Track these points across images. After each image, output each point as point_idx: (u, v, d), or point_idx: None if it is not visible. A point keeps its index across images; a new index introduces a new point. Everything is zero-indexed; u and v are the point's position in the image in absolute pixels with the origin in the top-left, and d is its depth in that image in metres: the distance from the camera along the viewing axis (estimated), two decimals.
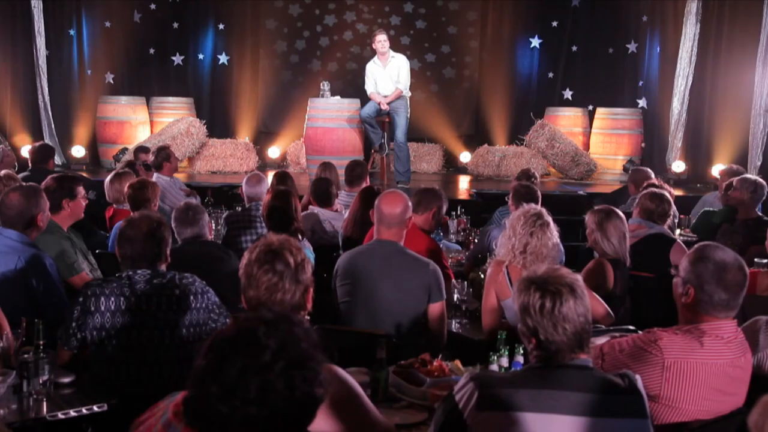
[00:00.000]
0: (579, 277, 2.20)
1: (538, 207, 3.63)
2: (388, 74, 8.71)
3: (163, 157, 6.90)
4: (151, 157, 7.13)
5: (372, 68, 8.86)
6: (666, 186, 5.95)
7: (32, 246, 3.61)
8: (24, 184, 3.97)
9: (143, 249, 3.01)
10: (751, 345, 2.87)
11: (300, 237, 4.19)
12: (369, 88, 8.84)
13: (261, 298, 2.29)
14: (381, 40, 8.67)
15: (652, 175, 6.72)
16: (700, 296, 2.50)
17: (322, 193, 5.53)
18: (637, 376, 2.19)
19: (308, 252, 4.39)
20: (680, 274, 2.59)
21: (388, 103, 8.60)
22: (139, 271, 3.00)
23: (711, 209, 6.23)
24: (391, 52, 8.79)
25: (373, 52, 8.94)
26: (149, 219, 3.10)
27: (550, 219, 3.53)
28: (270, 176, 6.77)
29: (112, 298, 2.93)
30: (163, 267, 3.09)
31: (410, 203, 3.74)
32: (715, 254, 2.52)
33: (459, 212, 6.63)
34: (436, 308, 3.57)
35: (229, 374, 1.45)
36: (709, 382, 2.45)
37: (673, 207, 6.36)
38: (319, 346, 1.55)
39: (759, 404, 1.63)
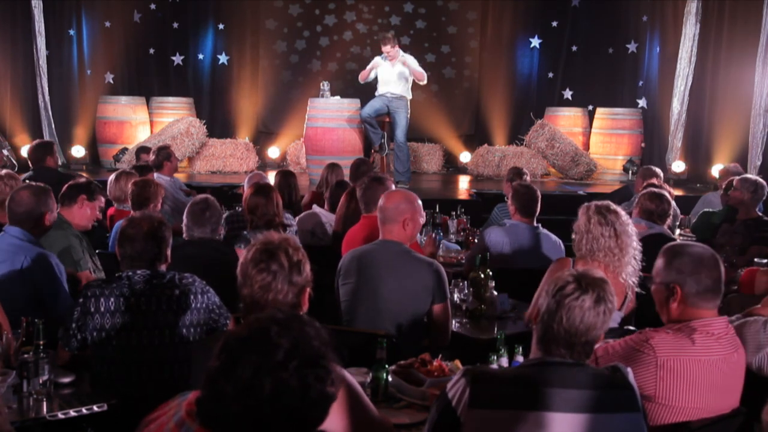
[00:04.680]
0: (614, 298, 2.18)
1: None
2: (397, 71, 8.68)
3: (164, 156, 6.89)
4: (151, 157, 7.12)
5: (379, 63, 8.83)
6: (666, 186, 5.95)
7: (38, 245, 3.61)
8: (32, 183, 3.97)
9: (143, 249, 3.01)
10: (751, 345, 2.87)
11: (282, 232, 4.20)
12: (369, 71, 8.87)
13: (254, 297, 2.31)
14: (387, 50, 8.62)
15: (661, 174, 6.73)
16: (687, 290, 2.52)
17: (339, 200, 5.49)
18: (629, 369, 2.19)
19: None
20: (658, 280, 2.61)
21: (390, 100, 8.61)
22: (138, 272, 3.00)
23: (711, 209, 6.23)
24: (401, 52, 8.75)
25: (374, 53, 8.95)
26: (150, 219, 3.10)
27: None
28: (270, 176, 6.77)
29: (112, 299, 2.93)
30: (163, 267, 3.09)
31: (412, 200, 3.74)
32: (686, 248, 2.59)
33: (459, 212, 6.63)
34: (439, 309, 3.56)
35: (243, 374, 1.46)
36: (703, 378, 2.46)
37: (674, 208, 6.38)
38: (331, 345, 1.55)
39: None
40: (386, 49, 8.62)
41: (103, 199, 4.44)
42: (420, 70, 8.71)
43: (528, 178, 6.36)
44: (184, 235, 4.19)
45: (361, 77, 8.94)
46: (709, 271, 2.53)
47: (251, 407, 1.46)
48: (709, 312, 2.55)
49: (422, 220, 3.78)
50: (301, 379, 1.47)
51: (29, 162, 6.73)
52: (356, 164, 6.39)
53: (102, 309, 2.92)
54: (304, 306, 2.35)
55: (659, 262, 2.62)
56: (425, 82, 8.92)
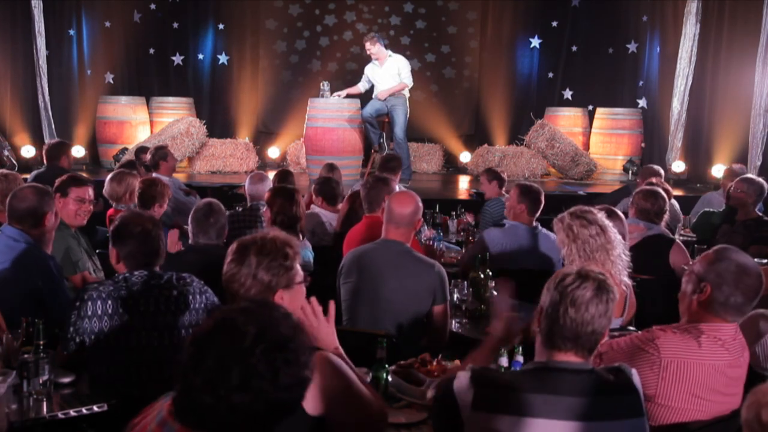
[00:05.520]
0: (615, 289, 2.18)
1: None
2: (387, 73, 8.74)
3: (160, 156, 6.84)
4: (148, 157, 7.11)
5: (370, 69, 8.93)
6: (664, 184, 5.95)
7: (36, 246, 3.59)
8: (34, 183, 3.95)
9: (138, 249, 3.00)
10: (752, 335, 2.86)
11: (301, 237, 4.18)
12: (358, 86, 9.01)
13: (225, 285, 2.32)
14: (368, 48, 8.80)
15: (662, 173, 6.74)
16: (715, 295, 2.47)
17: (330, 192, 5.52)
18: (633, 370, 2.18)
19: (307, 252, 4.39)
20: (695, 271, 2.56)
21: (384, 99, 8.68)
22: (135, 272, 2.97)
23: (711, 209, 6.23)
24: (389, 52, 8.83)
25: None
26: (141, 218, 3.08)
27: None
28: (271, 176, 6.77)
29: (109, 302, 2.90)
30: (157, 267, 3.07)
31: (421, 204, 3.74)
32: (737, 257, 2.52)
33: (459, 212, 6.63)
34: (439, 310, 3.56)
35: (209, 364, 1.46)
36: (706, 382, 2.45)
37: (677, 210, 6.38)
38: (301, 329, 1.55)
39: (747, 399, 1.63)
40: (367, 46, 8.73)
41: (81, 189, 4.22)
42: (402, 83, 8.75)
43: (505, 176, 6.47)
44: (190, 241, 4.17)
45: (349, 92, 9.02)
46: (746, 288, 2.47)
47: (222, 397, 1.45)
48: (727, 324, 2.50)
49: None
50: (269, 363, 1.46)
51: (44, 158, 6.74)
52: (387, 158, 6.47)
53: (99, 312, 2.89)
54: None
55: (704, 256, 2.58)
56: (411, 85, 8.96)
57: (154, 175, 6.63)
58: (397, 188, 6.01)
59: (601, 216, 3.37)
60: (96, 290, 2.94)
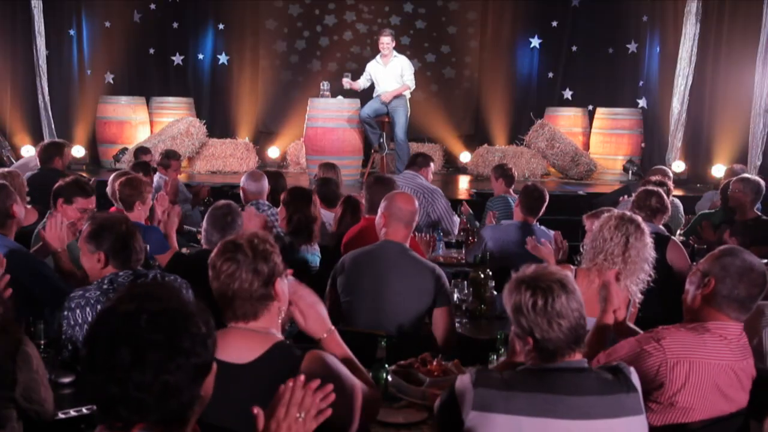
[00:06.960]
0: (569, 273, 2.22)
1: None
2: (391, 73, 8.76)
3: (163, 165, 6.86)
4: (156, 157, 7.13)
5: (373, 67, 8.93)
6: (667, 182, 5.95)
7: (15, 247, 3.53)
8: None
9: (129, 249, 2.99)
10: (759, 322, 2.86)
11: (311, 241, 4.21)
12: (359, 82, 9.03)
13: (222, 288, 2.25)
14: (385, 42, 8.80)
15: (668, 172, 6.76)
16: (719, 288, 2.49)
17: (330, 193, 5.51)
18: (632, 369, 2.19)
19: (315, 256, 4.40)
20: (700, 268, 2.58)
21: (389, 101, 8.68)
22: (120, 273, 2.97)
23: (708, 211, 6.24)
24: (394, 53, 8.86)
25: (374, 53, 8.99)
26: (112, 220, 3.07)
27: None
28: None
29: (98, 307, 2.89)
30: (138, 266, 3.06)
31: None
32: (743, 254, 2.56)
33: (459, 212, 6.63)
34: (442, 313, 3.54)
35: (100, 354, 1.43)
36: (709, 380, 2.45)
37: (679, 208, 6.38)
38: (181, 291, 1.53)
39: None
40: (384, 40, 8.76)
41: (86, 201, 4.12)
42: (405, 85, 8.77)
43: (515, 172, 6.48)
44: (202, 242, 4.14)
45: (351, 86, 9.03)
46: (750, 283, 2.49)
47: (124, 381, 1.41)
48: (730, 321, 2.52)
49: None
50: (158, 329, 1.43)
51: (38, 160, 6.68)
52: (415, 155, 6.66)
53: (89, 319, 2.88)
54: (278, 298, 2.23)
55: (711, 254, 2.61)
56: (413, 88, 9.00)
57: (157, 175, 6.65)
58: (430, 178, 6.19)
59: (640, 237, 3.19)
60: (83, 297, 2.93)
